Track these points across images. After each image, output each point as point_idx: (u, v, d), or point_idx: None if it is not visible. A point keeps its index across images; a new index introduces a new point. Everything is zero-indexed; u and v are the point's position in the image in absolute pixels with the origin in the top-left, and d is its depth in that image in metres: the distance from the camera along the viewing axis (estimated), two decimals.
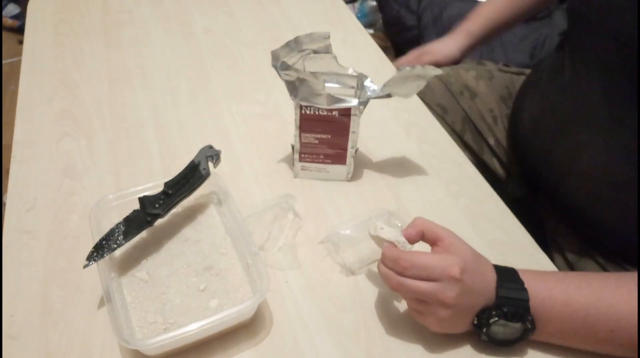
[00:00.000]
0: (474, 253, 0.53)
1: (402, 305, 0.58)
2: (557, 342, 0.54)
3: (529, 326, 0.51)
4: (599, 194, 0.68)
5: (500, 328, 0.52)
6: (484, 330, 0.52)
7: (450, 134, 0.82)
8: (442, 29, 1.37)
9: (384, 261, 0.52)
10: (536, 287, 0.52)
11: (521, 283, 0.52)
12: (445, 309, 0.51)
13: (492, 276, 0.52)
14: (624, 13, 0.61)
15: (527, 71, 0.93)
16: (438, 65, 0.91)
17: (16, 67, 1.17)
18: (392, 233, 0.52)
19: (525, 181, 0.87)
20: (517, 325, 0.51)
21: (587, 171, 0.69)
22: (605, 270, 0.71)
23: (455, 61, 1.00)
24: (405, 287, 0.51)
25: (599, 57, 0.67)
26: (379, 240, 0.54)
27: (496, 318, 0.51)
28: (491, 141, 0.91)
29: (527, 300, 0.51)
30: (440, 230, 0.53)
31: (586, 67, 0.69)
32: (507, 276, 0.53)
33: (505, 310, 0.50)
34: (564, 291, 0.52)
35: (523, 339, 0.53)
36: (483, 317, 0.51)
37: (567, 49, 0.74)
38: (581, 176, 0.70)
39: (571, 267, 0.74)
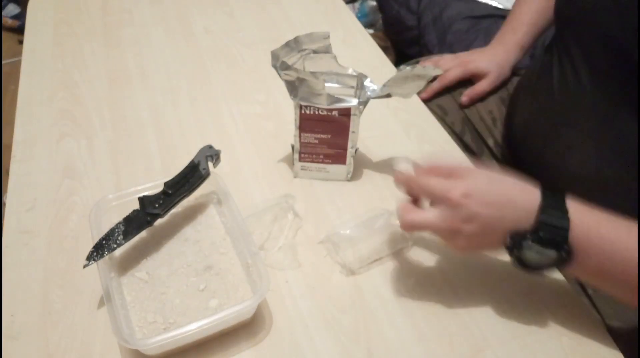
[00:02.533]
0: (492, 179, 0.52)
1: (402, 306, 0.58)
2: (589, 281, 0.52)
3: (564, 256, 0.49)
4: (591, 197, 0.68)
5: (534, 254, 0.50)
6: (515, 252, 0.50)
7: (450, 135, 0.82)
8: (442, 29, 1.37)
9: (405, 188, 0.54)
10: (582, 217, 0.49)
11: (565, 211, 0.49)
12: (457, 235, 0.50)
13: (526, 202, 0.50)
14: (609, 15, 0.61)
15: None
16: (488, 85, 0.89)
17: (16, 67, 1.17)
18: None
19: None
20: (552, 253, 0.49)
21: (578, 174, 0.69)
22: None
23: (505, 81, 0.93)
24: (415, 224, 0.52)
25: (586, 60, 0.66)
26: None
27: (529, 242, 0.49)
28: (490, 143, 0.91)
29: (566, 229, 0.48)
30: (454, 164, 0.53)
31: (574, 69, 0.69)
32: (552, 202, 0.50)
33: (541, 234, 0.48)
34: (614, 229, 0.50)
35: (555, 268, 0.51)
36: (516, 238, 0.50)
37: (555, 51, 0.74)
38: (572, 179, 0.70)
39: None
